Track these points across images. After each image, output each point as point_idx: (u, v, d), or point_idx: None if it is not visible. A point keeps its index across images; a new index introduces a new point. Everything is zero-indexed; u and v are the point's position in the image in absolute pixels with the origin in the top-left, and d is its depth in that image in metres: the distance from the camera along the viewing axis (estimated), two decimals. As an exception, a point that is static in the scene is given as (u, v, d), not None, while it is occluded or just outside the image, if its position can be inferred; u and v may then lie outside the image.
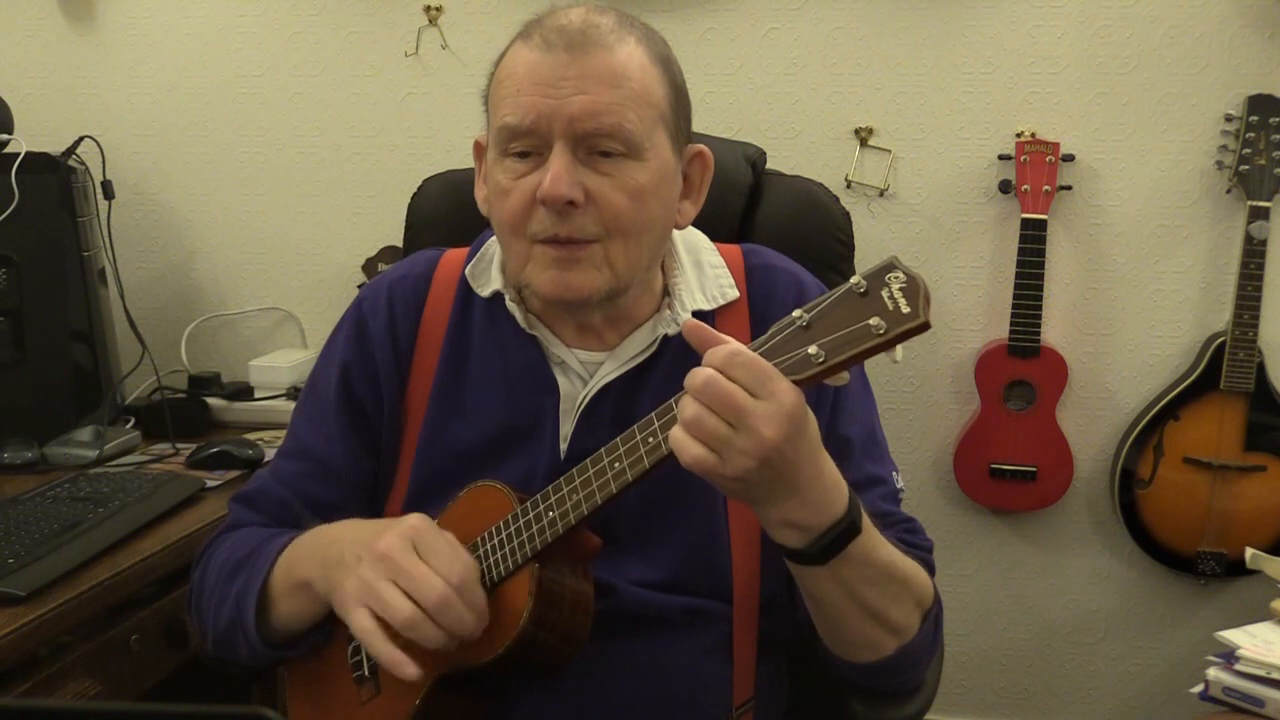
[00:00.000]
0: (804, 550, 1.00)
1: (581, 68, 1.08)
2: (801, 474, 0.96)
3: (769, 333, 0.95)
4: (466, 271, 1.25)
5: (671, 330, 1.19)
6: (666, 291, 1.22)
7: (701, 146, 1.21)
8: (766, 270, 1.26)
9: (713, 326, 1.00)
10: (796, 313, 0.93)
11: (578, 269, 1.11)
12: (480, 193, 1.21)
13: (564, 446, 1.19)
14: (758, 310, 1.22)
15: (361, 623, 1.04)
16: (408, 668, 1.03)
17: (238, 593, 1.19)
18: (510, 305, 1.21)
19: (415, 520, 1.07)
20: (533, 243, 1.12)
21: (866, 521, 1.03)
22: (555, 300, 1.14)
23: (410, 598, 1.02)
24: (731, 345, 0.94)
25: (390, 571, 1.03)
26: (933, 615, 1.16)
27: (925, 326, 0.87)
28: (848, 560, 1.02)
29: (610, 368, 1.19)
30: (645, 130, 1.10)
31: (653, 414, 0.99)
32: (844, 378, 0.95)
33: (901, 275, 0.89)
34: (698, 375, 0.93)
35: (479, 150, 1.22)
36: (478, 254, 1.27)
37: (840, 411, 1.21)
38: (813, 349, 0.91)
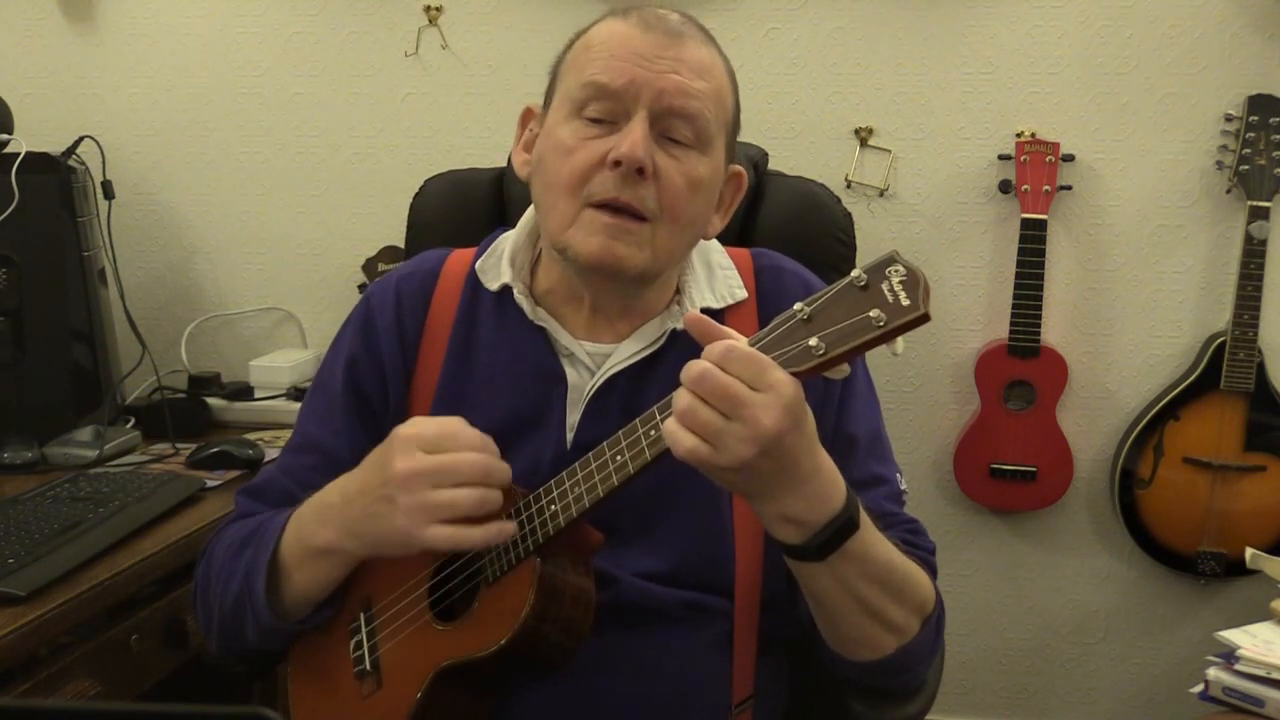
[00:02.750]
0: (802, 546, 1.00)
1: (678, 52, 1.13)
2: (800, 467, 0.96)
3: (770, 325, 0.95)
4: (476, 266, 1.27)
5: (680, 325, 1.19)
6: (678, 290, 1.24)
7: (739, 168, 1.25)
8: (775, 271, 1.28)
9: (722, 324, 1.00)
10: (797, 306, 0.94)
11: (625, 240, 1.13)
12: (519, 157, 1.23)
13: (570, 436, 1.19)
14: (766, 309, 1.24)
15: (443, 534, 1.05)
16: (508, 526, 1.07)
17: (246, 565, 1.19)
18: (519, 297, 1.22)
19: (401, 431, 1.08)
20: (585, 205, 1.13)
21: (865, 518, 1.03)
22: (596, 264, 1.14)
23: (462, 484, 1.04)
24: (729, 340, 0.94)
25: (429, 481, 1.04)
26: (934, 616, 1.16)
27: (925, 318, 0.88)
28: (846, 557, 1.02)
29: (619, 358, 1.20)
30: (715, 128, 1.16)
31: (654, 407, 0.99)
32: (845, 370, 0.95)
33: (901, 268, 0.89)
34: (693, 367, 0.93)
35: (526, 117, 1.24)
36: (488, 250, 1.28)
37: (846, 410, 1.22)
38: (813, 341, 0.92)
